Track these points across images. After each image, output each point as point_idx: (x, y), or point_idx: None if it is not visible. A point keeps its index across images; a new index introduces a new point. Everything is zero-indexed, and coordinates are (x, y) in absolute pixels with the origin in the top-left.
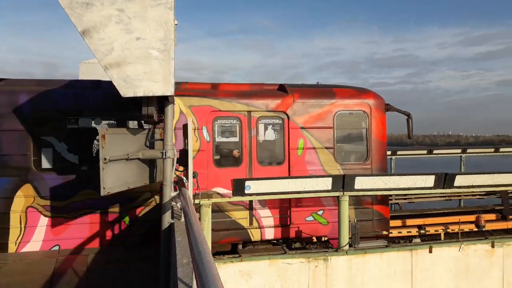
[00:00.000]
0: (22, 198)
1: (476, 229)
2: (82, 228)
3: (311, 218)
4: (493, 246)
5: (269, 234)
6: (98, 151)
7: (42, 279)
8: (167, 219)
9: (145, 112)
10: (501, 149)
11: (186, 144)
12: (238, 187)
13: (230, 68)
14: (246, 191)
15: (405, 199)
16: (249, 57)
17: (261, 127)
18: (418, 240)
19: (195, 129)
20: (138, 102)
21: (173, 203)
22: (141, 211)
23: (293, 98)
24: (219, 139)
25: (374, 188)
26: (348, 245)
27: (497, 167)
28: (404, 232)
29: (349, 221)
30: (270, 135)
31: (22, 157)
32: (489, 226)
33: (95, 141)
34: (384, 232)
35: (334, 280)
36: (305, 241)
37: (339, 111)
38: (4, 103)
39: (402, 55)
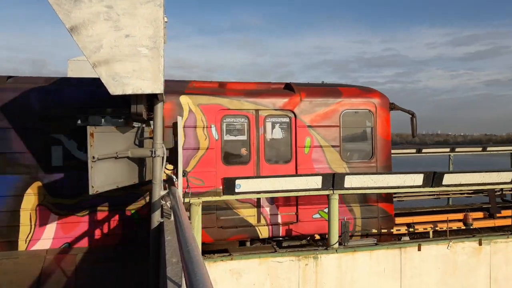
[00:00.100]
0: (32, 196)
1: (464, 227)
2: (92, 226)
3: (317, 215)
4: (480, 244)
5: (277, 231)
6: None
7: (30, 279)
8: (156, 218)
9: (134, 110)
10: (489, 148)
11: (175, 142)
12: (228, 186)
13: (221, 66)
14: (237, 190)
15: (394, 197)
16: (240, 56)
17: (268, 125)
18: (407, 238)
19: (204, 127)
20: (128, 100)
21: (163, 202)
22: (149, 209)
23: (300, 97)
24: (227, 137)
25: (364, 187)
26: (338, 243)
27: (484, 165)
28: (394, 230)
29: (355, 219)
30: (278, 133)
31: (32, 155)
32: (476, 224)
33: None
34: (384, 230)
35: (324, 278)
36: (311, 238)
37: (345, 110)
38: (13, 101)
39: (392, 55)
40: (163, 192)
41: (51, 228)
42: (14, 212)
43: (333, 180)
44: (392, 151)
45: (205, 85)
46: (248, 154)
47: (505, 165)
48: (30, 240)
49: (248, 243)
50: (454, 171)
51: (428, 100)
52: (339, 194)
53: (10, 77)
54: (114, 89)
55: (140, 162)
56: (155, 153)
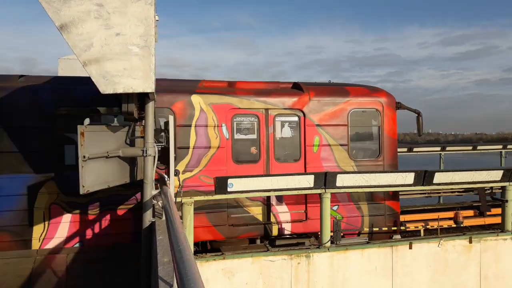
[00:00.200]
0: (46, 195)
1: (455, 225)
2: (105, 224)
3: None
4: (470, 242)
5: (286, 229)
6: None
7: (20, 280)
8: (148, 217)
9: (125, 109)
10: (479, 147)
11: (167, 141)
12: (221, 185)
13: (213, 65)
14: (229, 189)
15: None
16: (232, 55)
17: (278, 124)
18: (398, 236)
19: (215, 126)
20: (119, 99)
21: (154, 202)
22: None
23: (309, 96)
24: (237, 136)
25: (356, 185)
26: (329, 241)
27: (475, 164)
28: (385, 229)
29: (363, 216)
30: (287, 132)
31: (45, 153)
32: (467, 222)
33: None
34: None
35: (316, 276)
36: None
37: (353, 109)
38: (26, 100)
39: (384, 54)
40: (154, 192)
41: (64, 227)
42: (28, 211)
43: (325, 179)
44: None
45: (215, 84)
46: (258, 152)
47: (495, 163)
48: (43, 239)
49: (258, 241)
50: (445, 170)
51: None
52: (347, 193)
53: (21, 76)
54: (105, 88)
55: (132, 162)
56: (146, 153)
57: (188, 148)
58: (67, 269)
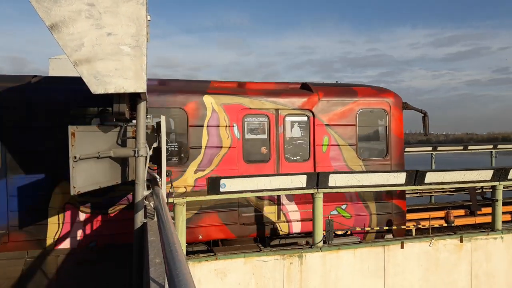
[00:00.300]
0: (60, 195)
1: (446, 225)
2: (120, 224)
3: (335, 212)
4: (461, 241)
5: (296, 227)
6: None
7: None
8: (139, 218)
9: (117, 109)
10: (470, 147)
11: (159, 141)
12: (213, 185)
13: (205, 65)
14: (222, 189)
15: None
16: (225, 55)
17: (288, 124)
18: (390, 236)
19: (226, 126)
20: (111, 99)
21: (146, 202)
22: None
23: (318, 96)
24: (248, 136)
25: (348, 185)
26: (322, 241)
27: (466, 164)
28: (377, 228)
29: (371, 215)
30: (296, 132)
31: (59, 153)
32: (458, 222)
33: (155, 144)
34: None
35: (309, 276)
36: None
37: (361, 109)
38: (41, 100)
39: (376, 55)
40: (146, 192)
41: (78, 226)
42: (42, 211)
43: (317, 179)
44: None
45: (225, 85)
46: (268, 152)
47: (486, 163)
48: (58, 239)
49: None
50: (436, 170)
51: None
52: (355, 192)
53: (34, 76)
54: (96, 88)
55: (123, 162)
56: (138, 153)
57: (200, 148)
58: (76, 268)
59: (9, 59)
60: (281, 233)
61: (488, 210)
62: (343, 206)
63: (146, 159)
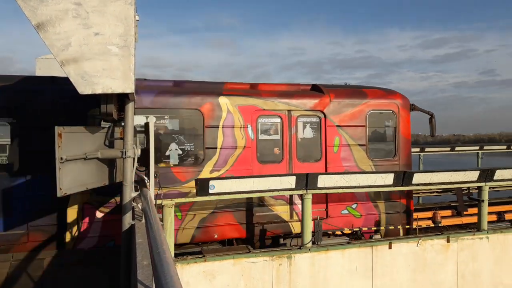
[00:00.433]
0: (78, 195)
1: (433, 225)
2: None
3: (346, 211)
4: (448, 241)
5: None
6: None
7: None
8: (127, 220)
9: (104, 110)
10: (457, 148)
11: (147, 142)
12: (202, 187)
13: (195, 65)
14: (210, 191)
15: None
16: (214, 55)
17: (300, 125)
18: (378, 236)
19: (241, 127)
20: (98, 100)
21: (134, 204)
22: (191, 206)
23: (330, 98)
24: (262, 136)
25: (337, 186)
26: (311, 242)
27: (453, 165)
28: (365, 229)
29: (380, 214)
30: (308, 133)
31: None
32: (445, 222)
33: (173, 144)
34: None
35: (298, 277)
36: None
37: (370, 110)
38: (56, 100)
39: (364, 56)
40: (134, 194)
41: (97, 226)
42: (61, 211)
43: (306, 180)
44: None
45: (238, 86)
46: (281, 153)
47: (472, 164)
48: (77, 239)
49: (281, 239)
50: (424, 171)
51: None
52: (365, 192)
53: (53, 78)
54: (83, 89)
55: (111, 163)
56: (125, 154)
57: (215, 148)
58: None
59: None
60: (293, 232)
61: (475, 210)
62: (354, 206)
63: (134, 160)
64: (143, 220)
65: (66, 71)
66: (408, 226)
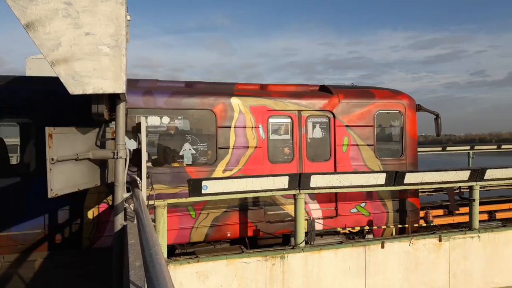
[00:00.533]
0: (95, 194)
1: (425, 224)
2: None
3: (355, 210)
4: (440, 240)
5: (318, 225)
6: (185, 150)
7: None
8: (119, 221)
9: (95, 110)
10: (448, 148)
11: (139, 142)
12: (195, 187)
13: (187, 66)
14: (203, 191)
15: None
16: (207, 55)
17: (310, 125)
18: (371, 236)
19: (252, 127)
20: (89, 100)
21: (126, 205)
22: (205, 205)
23: (339, 98)
24: (272, 136)
25: (329, 186)
26: (304, 242)
27: (444, 164)
28: (357, 228)
29: (388, 213)
30: (318, 133)
31: None
32: (436, 221)
33: (186, 144)
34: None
35: (291, 277)
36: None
37: (378, 110)
38: (68, 102)
39: (356, 57)
40: (126, 195)
41: (112, 225)
42: (78, 210)
43: (299, 180)
44: None
45: (248, 87)
46: (292, 152)
47: (463, 164)
48: (93, 238)
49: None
50: (415, 170)
51: None
52: (373, 192)
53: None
54: (74, 89)
55: (102, 164)
56: (117, 155)
57: (228, 148)
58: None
59: None
60: (304, 230)
61: (466, 209)
62: (362, 204)
63: (125, 161)
64: (135, 221)
65: (57, 71)
66: (416, 225)
